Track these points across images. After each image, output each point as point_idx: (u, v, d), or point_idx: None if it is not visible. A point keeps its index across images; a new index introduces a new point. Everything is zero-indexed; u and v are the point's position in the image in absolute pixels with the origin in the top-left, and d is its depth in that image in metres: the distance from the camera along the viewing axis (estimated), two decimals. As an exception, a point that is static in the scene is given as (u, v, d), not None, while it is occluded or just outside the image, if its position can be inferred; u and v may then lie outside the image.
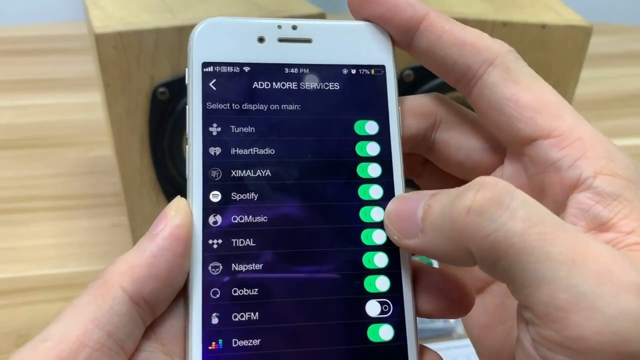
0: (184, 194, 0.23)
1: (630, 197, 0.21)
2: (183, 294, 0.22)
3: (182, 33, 0.47)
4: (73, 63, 0.96)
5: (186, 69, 0.23)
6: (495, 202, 0.18)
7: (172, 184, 0.53)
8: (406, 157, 0.25)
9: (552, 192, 0.22)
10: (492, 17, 0.50)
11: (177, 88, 0.49)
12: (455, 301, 0.23)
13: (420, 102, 0.26)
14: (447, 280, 0.23)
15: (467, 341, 0.48)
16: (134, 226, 0.55)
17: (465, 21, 0.50)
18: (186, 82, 0.23)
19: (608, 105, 0.91)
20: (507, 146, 0.24)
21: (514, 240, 0.18)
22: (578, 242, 0.18)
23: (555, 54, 0.51)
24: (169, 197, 0.53)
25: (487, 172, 0.25)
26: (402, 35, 0.24)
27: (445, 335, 0.53)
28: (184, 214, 0.21)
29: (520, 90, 0.23)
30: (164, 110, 0.50)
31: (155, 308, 0.21)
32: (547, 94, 0.23)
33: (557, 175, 0.22)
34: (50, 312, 0.55)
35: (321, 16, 0.51)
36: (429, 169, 0.28)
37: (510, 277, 0.19)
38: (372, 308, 0.23)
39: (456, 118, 0.25)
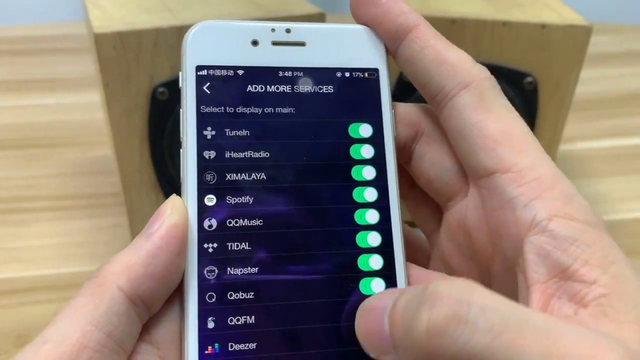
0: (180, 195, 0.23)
1: (588, 241, 0.20)
2: (178, 295, 0.22)
3: (182, 33, 0.47)
4: (73, 63, 0.96)
5: (180, 73, 0.23)
6: (451, 318, 0.17)
7: (172, 184, 0.53)
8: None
9: (507, 232, 0.21)
10: (492, 16, 0.50)
11: (177, 88, 0.49)
12: None
13: (406, 110, 0.25)
14: None
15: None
16: (133, 226, 0.55)
17: (465, 21, 0.50)
18: (180, 85, 0.23)
19: (608, 105, 0.91)
20: (469, 176, 0.24)
21: (481, 356, 0.17)
22: (550, 339, 0.17)
23: (555, 53, 0.51)
24: (169, 197, 0.53)
25: (454, 196, 0.25)
26: (389, 41, 0.24)
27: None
28: (180, 213, 0.21)
29: (488, 118, 0.22)
30: (164, 110, 0.50)
31: (151, 307, 0.21)
32: (515, 126, 0.22)
33: (512, 214, 0.21)
34: (50, 312, 0.55)
35: (321, 16, 0.50)
36: (414, 193, 0.27)
37: None
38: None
39: (438, 134, 0.25)
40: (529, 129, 0.23)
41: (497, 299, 0.18)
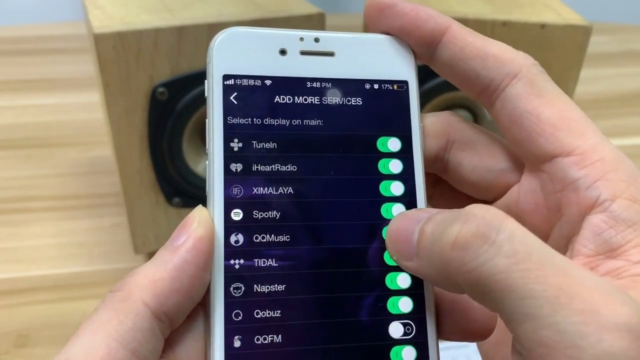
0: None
1: None
2: (200, 309, 0.21)
3: (182, 33, 0.47)
4: (73, 63, 0.96)
5: (205, 81, 0.23)
6: (479, 236, 0.18)
7: (171, 184, 0.53)
8: None
9: (569, 212, 0.22)
10: (492, 16, 0.50)
11: (176, 88, 0.49)
12: (476, 325, 0.23)
13: (433, 121, 0.25)
14: (469, 305, 0.23)
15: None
16: (133, 226, 0.55)
17: (465, 21, 0.50)
18: (205, 95, 0.23)
19: (608, 105, 0.91)
20: (525, 162, 0.24)
21: (498, 277, 0.18)
22: (566, 278, 0.18)
23: (554, 53, 0.51)
24: (168, 197, 0.54)
25: (503, 192, 0.25)
26: (424, 48, 0.24)
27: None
28: (207, 226, 0.21)
29: (542, 104, 0.22)
30: (163, 110, 0.50)
31: (175, 321, 0.21)
32: (570, 110, 0.22)
33: (575, 195, 0.21)
34: (50, 312, 0.55)
35: (321, 16, 0.50)
36: (440, 190, 0.27)
37: (498, 310, 0.19)
38: (395, 329, 0.22)
39: (469, 138, 0.25)
40: (582, 111, 0.23)
41: (526, 232, 0.19)
